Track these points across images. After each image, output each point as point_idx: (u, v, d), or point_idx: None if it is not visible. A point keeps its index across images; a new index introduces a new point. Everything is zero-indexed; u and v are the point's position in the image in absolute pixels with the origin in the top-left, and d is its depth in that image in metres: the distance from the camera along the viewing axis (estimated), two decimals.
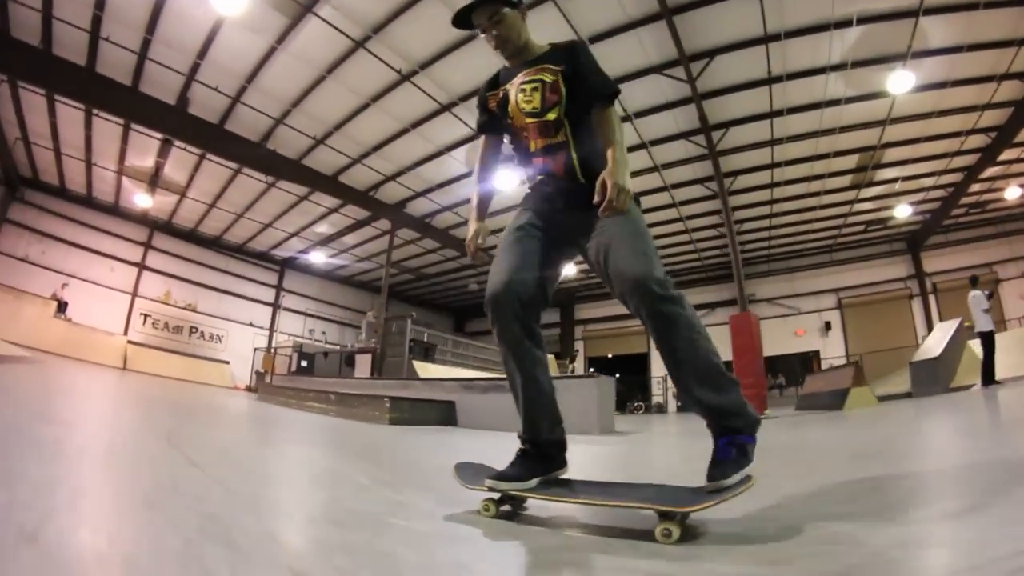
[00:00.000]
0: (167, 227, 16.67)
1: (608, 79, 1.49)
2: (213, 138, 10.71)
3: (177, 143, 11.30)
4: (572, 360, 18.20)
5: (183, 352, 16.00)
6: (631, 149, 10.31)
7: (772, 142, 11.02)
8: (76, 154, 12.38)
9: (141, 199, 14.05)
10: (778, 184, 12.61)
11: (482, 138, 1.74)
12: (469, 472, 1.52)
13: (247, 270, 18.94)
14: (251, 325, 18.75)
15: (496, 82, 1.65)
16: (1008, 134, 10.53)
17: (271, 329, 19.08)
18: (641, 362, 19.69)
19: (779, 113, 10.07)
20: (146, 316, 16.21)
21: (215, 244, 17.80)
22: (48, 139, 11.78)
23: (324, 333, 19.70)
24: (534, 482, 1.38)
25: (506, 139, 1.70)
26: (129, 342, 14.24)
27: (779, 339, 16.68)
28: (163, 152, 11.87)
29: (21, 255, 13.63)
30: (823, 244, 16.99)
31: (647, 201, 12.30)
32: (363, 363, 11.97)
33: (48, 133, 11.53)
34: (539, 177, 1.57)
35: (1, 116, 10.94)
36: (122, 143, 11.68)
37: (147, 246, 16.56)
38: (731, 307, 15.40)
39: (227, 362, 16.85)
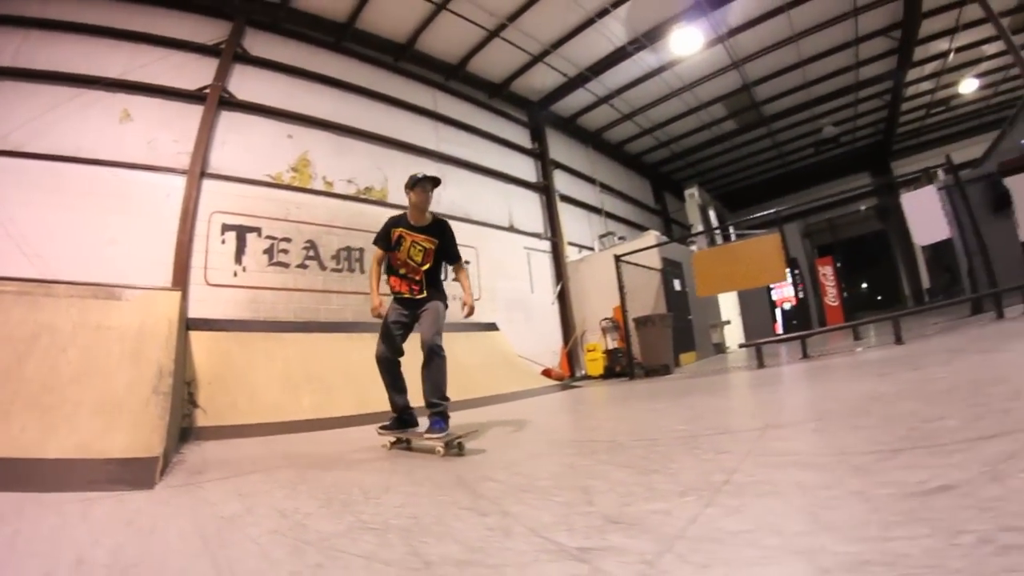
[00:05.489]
0: (277, 10, 6.78)
1: (458, 251, 3.19)
2: None
3: None
4: None
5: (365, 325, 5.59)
6: None
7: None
8: None
9: None
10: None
11: (376, 249, 3.25)
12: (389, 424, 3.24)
13: (480, 117, 9.43)
14: (512, 230, 9.29)
15: (401, 222, 3.12)
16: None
17: (553, 237, 9.83)
18: None
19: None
20: (241, 232, 5.92)
21: (403, 53, 8.13)
22: None
23: (623, 239, 10.46)
24: (398, 432, 3.12)
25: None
26: (189, 324, 4.87)
27: None
28: None
29: None
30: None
31: None
32: None
33: None
34: (402, 291, 3.12)
35: None
36: None
37: (233, 53, 6.33)
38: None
39: (493, 325, 8.01)
